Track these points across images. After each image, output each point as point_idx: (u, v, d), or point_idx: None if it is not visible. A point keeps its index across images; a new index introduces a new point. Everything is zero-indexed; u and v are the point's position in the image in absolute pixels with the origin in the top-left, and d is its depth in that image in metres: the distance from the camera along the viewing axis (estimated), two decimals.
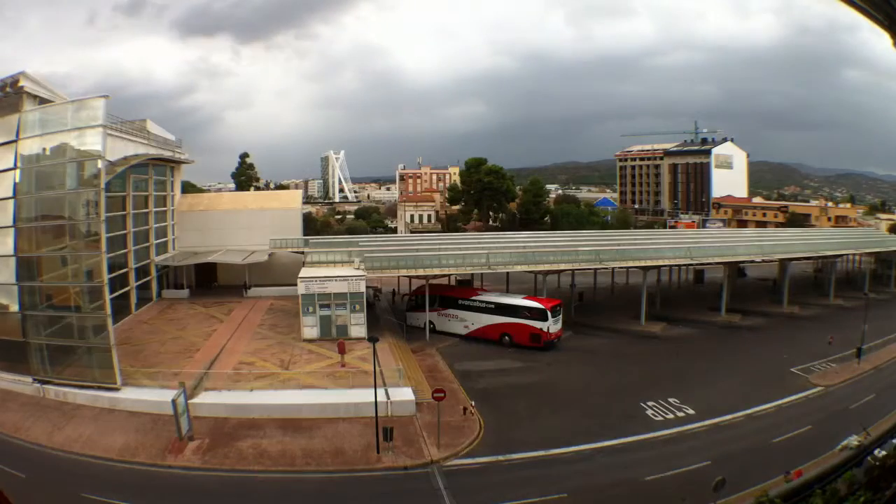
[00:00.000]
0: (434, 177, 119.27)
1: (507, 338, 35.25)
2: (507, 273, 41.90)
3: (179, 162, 50.91)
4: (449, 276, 40.69)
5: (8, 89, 29.00)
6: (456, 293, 38.85)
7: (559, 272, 44.35)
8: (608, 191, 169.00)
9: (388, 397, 24.28)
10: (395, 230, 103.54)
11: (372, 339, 22.74)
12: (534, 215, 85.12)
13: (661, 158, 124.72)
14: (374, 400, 21.42)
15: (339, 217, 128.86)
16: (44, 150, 26.95)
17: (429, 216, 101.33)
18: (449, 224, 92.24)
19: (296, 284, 34.31)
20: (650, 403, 26.09)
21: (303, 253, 42.84)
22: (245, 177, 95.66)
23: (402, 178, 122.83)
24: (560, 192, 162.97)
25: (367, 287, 36.49)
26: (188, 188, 66.55)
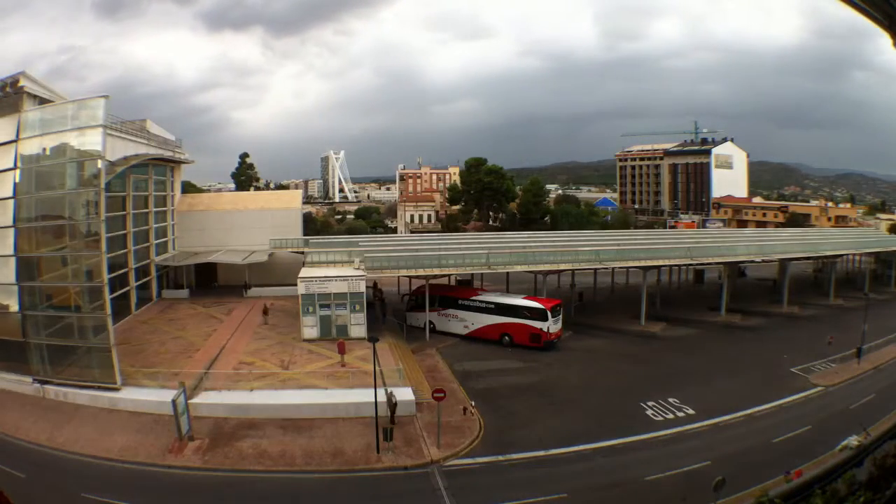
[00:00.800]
0: (434, 177, 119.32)
1: (507, 338, 35.25)
2: (507, 273, 41.88)
3: (179, 162, 50.90)
4: (449, 276, 40.68)
5: (8, 89, 28.99)
6: (456, 293, 38.82)
7: (559, 272, 44.34)
8: (608, 191, 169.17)
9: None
10: (395, 230, 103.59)
11: (372, 339, 22.73)
12: (534, 215, 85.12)
13: (661, 158, 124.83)
14: (374, 400, 21.40)
15: (339, 217, 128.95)
16: (44, 150, 26.92)
17: (429, 216, 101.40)
18: (449, 224, 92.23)
19: (296, 284, 34.29)
20: (650, 403, 26.09)
21: (303, 253, 42.83)
22: (245, 177, 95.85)
23: (402, 178, 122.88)
24: (560, 192, 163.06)
25: (367, 287, 36.48)
26: (188, 188, 66.54)
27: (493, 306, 35.95)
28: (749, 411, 25.39)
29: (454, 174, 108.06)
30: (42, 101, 29.85)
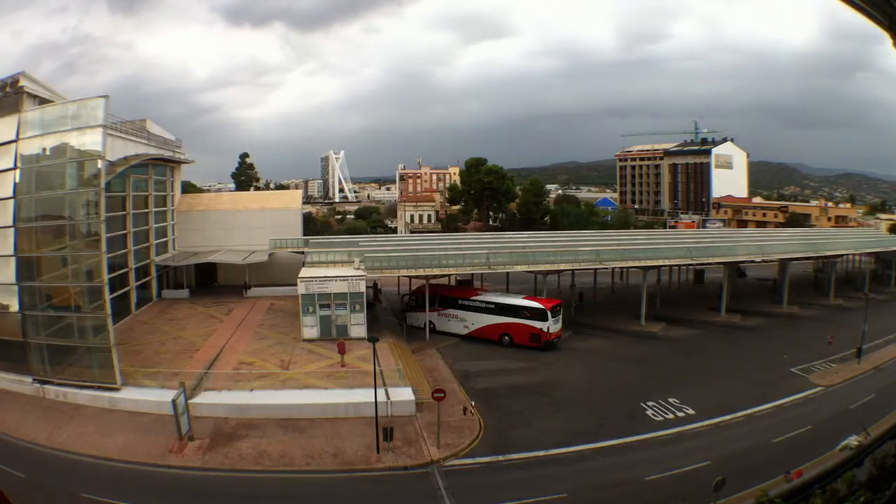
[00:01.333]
0: (434, 177, 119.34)
1: (507, 338, 35.24)
2: (507, 273, 41.89)
3: (179, 162, 50.90)
4: (449, 276, 40.68)
5: (8, 89, 29.04)
6: (456, 293, 38.84)
7: (559, 272, 44.34)
8: (608, 191, 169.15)
9: (388, 397, 24.27)
10: (395, 230, 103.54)
11: (372, 339, 22.73)
12: (534, 215, 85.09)
13: (661, 158, 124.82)
14: (374, 400, 21.41)
15: (339, 217, 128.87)
16: (44, 150, 26.93)
17: (429, 216, 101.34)
18: (449, 224, 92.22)
19: (296, 284, 34.28)
20: (650, 403, 26.10)
21: (303, 253, 42.82)
22: (245, 177, 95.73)
23: (402, 178, 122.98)
24: (560, 192, 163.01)
25: (368, 287, 36.48)
26: (188, 188, 66.51)
27: (493, 306, 35.95)
28: (749, 411, 25.40)
29: (454, 174, 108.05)
30: (42, 101, 29.88)
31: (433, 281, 37.34)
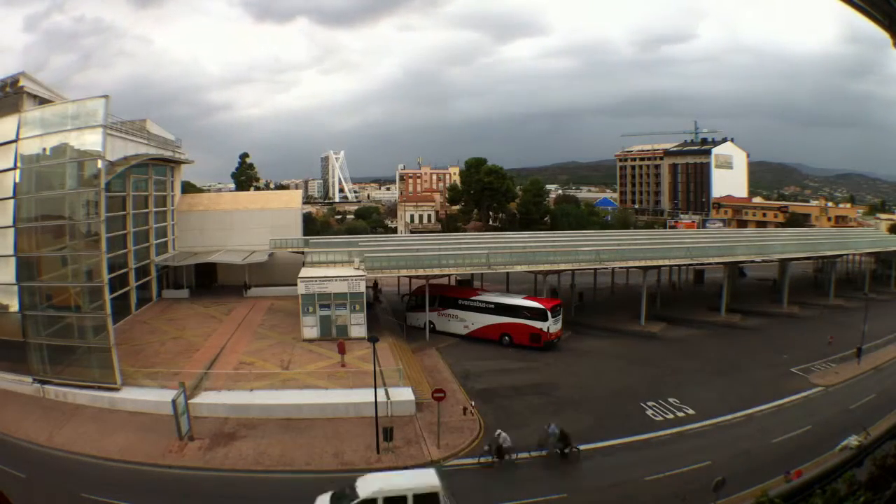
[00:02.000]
0: (434, 177, 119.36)
1: (507, 338, 35.24)
2: (507, 273, 41.89)
3: (179, 162, 50.90)
4: (449, 276, 40.68)
5: (8, 89, 29.05)
6: (456, 293, 38.83)
7: (559, 272, 44.35)
8: (608, 191, 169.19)
9: (388, 397, 24.26)
10: (395, 230, 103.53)
11: (372, 339, 22.72)
12: (534, 215, 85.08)
13: (661, 158, 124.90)
14: (374, 400, 21.41)
15: (339, 217, 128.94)
16: (44, 150, 26.91)
17: (429, 216, 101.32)
18: (449, 224, 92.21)
19: (296, 284, 34.28)
20: (650, 403, 26.10)
21: (303, 253, 42.83)
22: (245, 177, 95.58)
23: (402, 178, 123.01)
24: (560, 192, 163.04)
25: (367, 287, 36.45)
26: (188, 188, 66.48)
27: (493, 306, 35.94)
28: (749, 411, 25.40)
29: (454, 174, 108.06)
30: (42, 101, 29.89)
31: (433, 281, 37.34)
